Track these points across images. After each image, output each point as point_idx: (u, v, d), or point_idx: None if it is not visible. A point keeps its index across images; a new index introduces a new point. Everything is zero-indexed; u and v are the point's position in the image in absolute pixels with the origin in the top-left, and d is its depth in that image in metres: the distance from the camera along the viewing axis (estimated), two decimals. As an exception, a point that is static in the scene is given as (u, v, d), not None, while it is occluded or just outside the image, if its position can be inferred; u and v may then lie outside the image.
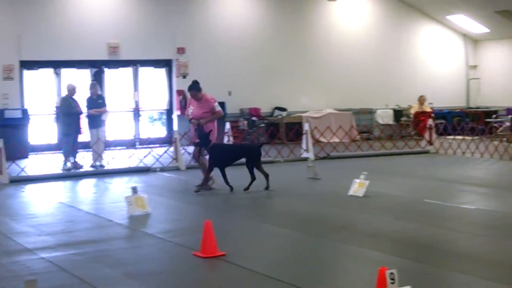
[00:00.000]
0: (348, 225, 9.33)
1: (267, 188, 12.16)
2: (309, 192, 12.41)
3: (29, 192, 12.93)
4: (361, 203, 10.85)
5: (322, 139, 19.77)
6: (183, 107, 21.66)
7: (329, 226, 9.30)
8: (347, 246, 8.10)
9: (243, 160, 12.40)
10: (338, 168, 15.54)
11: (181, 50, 21.79)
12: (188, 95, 12.97)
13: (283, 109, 22.93)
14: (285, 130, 21.54)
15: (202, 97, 12.67)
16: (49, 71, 20.53)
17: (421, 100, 22.29)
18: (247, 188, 12.09)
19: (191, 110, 12.66)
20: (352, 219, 9.78)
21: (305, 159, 16.75)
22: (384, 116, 24.09)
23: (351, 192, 11.45)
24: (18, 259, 7.86)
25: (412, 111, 22.44)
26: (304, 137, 17.72)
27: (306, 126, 18.07)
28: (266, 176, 12.25)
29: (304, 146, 17.58)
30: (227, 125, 19.04)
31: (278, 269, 7.09)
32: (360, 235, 8.69)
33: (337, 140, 19.65)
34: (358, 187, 11.41)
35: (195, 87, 12.73)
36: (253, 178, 12.10)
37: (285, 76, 23.27)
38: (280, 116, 22.49)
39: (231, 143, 12.38)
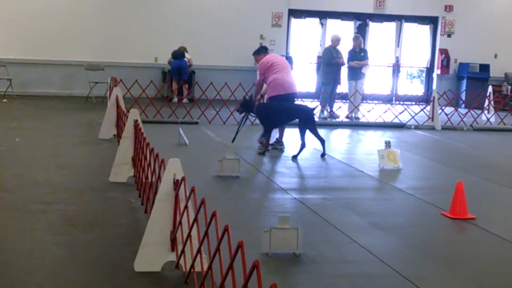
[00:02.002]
0: None
1: (323, 155, 11.01)
2: None
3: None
4: None
5: None
6: (444, 66, 21.20)
7: None
8: None
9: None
10: None
11: (449, 8, 21.20)
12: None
13: (553, 77, 21.53)
14: (553, 99, 20.27)
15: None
16: (315, 21, 21.05)
17: None
18: (295, 156, 10.81)
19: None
20: None
21: None
22: None
23: None
24: (273, 196, 8.33)
25: None
26: None
27: None
28: (322, 141, 11.06)
29: None
30: (489, 89, 18.31)
31: (530, 240, 6.82)
32: None
33: None
34: None
35: (254, 51, 11.92)
36: (303, 144, 10.83)
37: (559, 41, 21.77)
38: (549, 84, 21.16)
39: (280, 103, 11.04)
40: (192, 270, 4.85)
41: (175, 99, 17.52)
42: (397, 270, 5.66)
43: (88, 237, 6.26)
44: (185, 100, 17.32)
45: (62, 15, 18.95)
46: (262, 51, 11.74)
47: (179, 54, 18.73)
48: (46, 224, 6.59)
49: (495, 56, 21.42)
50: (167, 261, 5.31)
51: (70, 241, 6.12)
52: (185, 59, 18.78)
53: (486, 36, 21.23)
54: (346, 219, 7.30)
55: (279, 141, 11.56)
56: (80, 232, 6.43)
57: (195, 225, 4.78)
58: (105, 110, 12.17)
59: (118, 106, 11.36)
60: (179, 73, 18.62)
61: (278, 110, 11.01)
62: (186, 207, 5.00)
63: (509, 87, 20.84)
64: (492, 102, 17.96)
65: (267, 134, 11.11)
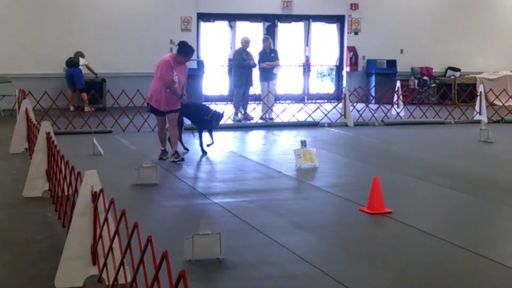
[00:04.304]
0: (521, 191, 9.00)
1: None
2: (480, 155, 12.07)
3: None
4: (537, 170, 10.40)
5: (496, 102, 19.00)
6: (353, 63, 21.60)
7: (498, 189, 9.02)
8: (520, 212, 7.84)
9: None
10: (513, 133, 14.94)
11: (354, 6, 21.61)
12: (178, 59, 10.72)
13: (457, 69, 22.24)
14: (458, 91, 20.91)
15: None
16: (224, 23, 21.09)
17: None
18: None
19: (177, 76, 10.65)
20: (526, 185, 9.40)
21: (478, 122, 16.21)
22: None
23: (526, 158, 11.01)
24: (193, 202, 8.29)
25: None
26: (477, 99, 17.14)
27: (480, 88, 17.45)
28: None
29: (477, 108, 17.01)
30: (398, 84, 18.78)
31: (444, 230, 7.01)
32: (534, 202, 8.37)
33: (512, 103, 18.82)
34: (534, 153, 10.95)
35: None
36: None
37: (460, 35, 22.48)
38: (453, 77, 21.83)
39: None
40: (115, 283, 4.76)
41: (87, 108, 17.19)
42: (320, 268, 5.72)
43: (5, 256, 6.07)
44: (86, 109, 16.98)
45: (-36, 27, 18.36)
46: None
47: (71, 62, 18.36)
48: (-41, 245, 6.36)
49: (401, 51, 21.97)
50: (89, 276, 5.20)
51: (-15, 261, 5.92)
52: (80, 66, 18.42)
53: (392, 32, 21.77)
54: (267, 220, 7.33)
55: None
56: (-5, 251, 6.23)
57: (116, 237, 4.70)
58: (14, 123, 11.84)
59: (28, 119, 11.07)
60: (72, 81, 18.28)
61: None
62: (106, 219, 4.91)
63: (416, 81, 21.41)
64: (401, 97, 18.40)
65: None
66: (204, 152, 11.51)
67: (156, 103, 10.72)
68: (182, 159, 10.81)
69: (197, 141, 11.76)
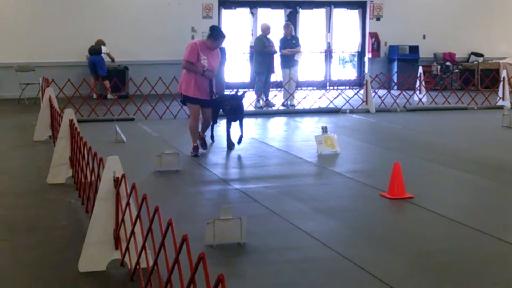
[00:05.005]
0: (544, 176, 8.94)
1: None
2: (503, 140, 12.00)
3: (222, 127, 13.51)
4: (560, 155, 10.33)
5: (520, 87, 18.83)
6: (375, 49, 21.51)
7: (522, 176, 8.99)
8: (542, 197, 7.81)
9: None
10: (536, 118, 14.80)
11: (376, -8, 21.52)
12: (208, 44, 10.18)
13: (480, 55, 22.06)
14: (481, 76, 20.76)
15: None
16: (246, 10, 21.09)
17: None
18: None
19: (205, 60, 10.14)
20: (549, 170, 9.35)
21: (501, 107, 16.11)
22: None
23: (549, 143, 10.94)
24: (214, 188, 8.36)
25: None
26: (501, 84, 17.01)
27: (503, 73, 17.32)
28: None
29: (500, 93, 16.90)
30: (420, 69, 18.69)
31: (465, 215, 6.99)
32: (556, 187, 8.33)
33: (536, 89, 18.63)
34: (557, 138, 10.88)
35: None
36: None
37: (484, 20, 22.28)
38: (476, 62, 21.67)
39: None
40: (137, 267, 4.84)
41: (109, 96, 17.32)
42: (341, 253, 5.75)
43: (30, 241, 6.17)
44: (109, 96, 17.08)
45: (-13, 17, 18.54)
46: None
47: (93, 50, 18.53)
48: (-15, 231, 6.47)
49: (424, 37, 21.84)
50: (111, 260, 5.28)
51: (11, 247, 6.02)
52: (103, 54, 18.55)
53: (414, 18, 21.63)
54: (288, 206, 7.37)
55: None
56: (21, 236, 6.33)
57: (138, 221, 4.77)
58: (38, 111, 11.96)
59: (51, 106, 11.18)
60: (94, 69, 18.43)
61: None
62: (128, 204, 4.98)
63: (439, 67, 21.29)
64: (423, 83, 18.32)
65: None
66: (230, 146, 10.77)
67: (186, 89, 10.23)
68: (196, 155, 10.24)
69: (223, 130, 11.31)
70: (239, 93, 10.96)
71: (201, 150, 10.50)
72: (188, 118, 11.04)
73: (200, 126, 10.67)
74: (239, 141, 10.74)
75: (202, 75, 10.11)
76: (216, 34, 10.23)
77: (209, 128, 11.10)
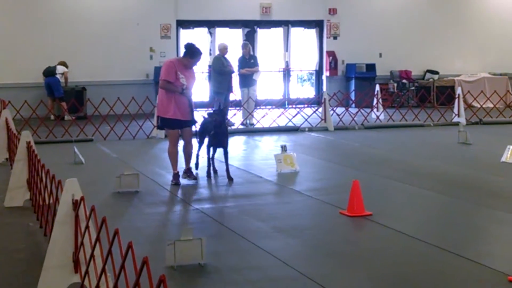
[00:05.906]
0: (498, 191, 9.08)
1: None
2: (459, 156, 12.19)
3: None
4: (514, 170, 10.53)
5: (475, 104, 19.19)
6: (332, 68, 21.72)
7: (477, 191, 9.11)
8: (495, 211, 7.93)
9: None
10: (491, 134, 15.08)
11: (333, 11, 21.75)
12: (185, 62, 9.88)
13: (435, 72, 22.42)
14: (436, 93, 21.09)
15: None
16: (204, 30, 21.14)
17: None
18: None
19: (184, 79, 9.70)
20: (503, 186, 9.50)
21: (456, 124, 16.37)
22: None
23: (503, 159, 11.13)
24: (174, 208, 8.35)
25: None
26: (456, 101, 17.31)
27: (458, 90, 17.63)
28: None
29: (455, 110, 17.19)
30: (377, 87, 18.93)
31: (424, 231, 7.09)
32: (510, 201, 8.48)
33: (490, 105, 18.98)
34: (511, 154, 11.08)
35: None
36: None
37: (439, 38, 22.66)
38: (431, 79, 22.02)
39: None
40: (98, 290, 4.79)
41: (67, 117, 17.17)
42: (301, 271, 5.78)
43: (-13, 266, 6.08)
44: (66, 117, 16.92)
45: None
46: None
47: (48, 72, 18.40)
48: None
49: (380, 55, 22.13)
50: (71, 283, 5.22)
51: (-33, 272, 5.93)
52: (58, 74, 18.42)
53: (370, 36, 21.92)
54: (249, 225, 7.39)
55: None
56: (-23, 261, 6.24)
57: (97, 244, 4.73)
58: (-6, 133, 11.81)
59: (8, 128, 11.06)
60: (50, 90, 18.30)
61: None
62: (87, 227, 4.94)
63: (395, 85, 21.57)
64: (380, 100, 18.55)
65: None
66: (211, 173, 10.16)
67: (165, 111, 9.56)
68: (195, 178, 9.90)
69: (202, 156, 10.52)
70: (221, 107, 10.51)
71: (189, 181, 9.84)
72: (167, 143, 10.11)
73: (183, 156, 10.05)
74: (230, 177, 9.83)
75: (181, 93, 9.56)
76: (193, 51, 9.89)
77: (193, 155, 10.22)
